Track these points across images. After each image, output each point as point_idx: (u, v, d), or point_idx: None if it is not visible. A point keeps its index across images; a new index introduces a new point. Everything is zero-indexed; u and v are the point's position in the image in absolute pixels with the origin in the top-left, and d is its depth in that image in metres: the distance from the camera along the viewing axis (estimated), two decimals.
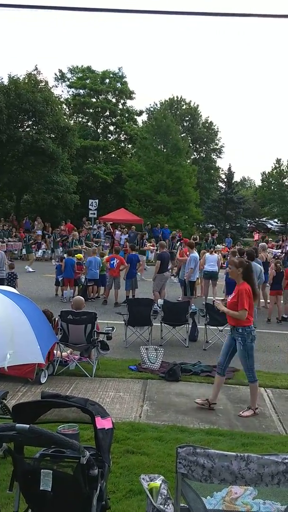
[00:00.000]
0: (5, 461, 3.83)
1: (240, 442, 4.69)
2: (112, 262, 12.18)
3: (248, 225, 39.15)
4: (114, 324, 7.91)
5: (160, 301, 9.54)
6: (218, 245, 21.10)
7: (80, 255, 14.12)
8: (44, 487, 2.39)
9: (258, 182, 52.17)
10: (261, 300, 12.28)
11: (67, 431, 3.34)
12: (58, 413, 2.84)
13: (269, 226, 41.87)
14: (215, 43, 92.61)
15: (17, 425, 2.31)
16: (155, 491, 2.50)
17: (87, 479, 2.39)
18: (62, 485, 2.40)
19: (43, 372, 6.33)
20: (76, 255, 13.46)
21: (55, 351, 6.81)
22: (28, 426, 2.29)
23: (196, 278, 11.21)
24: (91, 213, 24.71)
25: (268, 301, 11.97)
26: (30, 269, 17.30)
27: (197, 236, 21.74)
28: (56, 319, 7.14)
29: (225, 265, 13.30)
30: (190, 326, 8.94)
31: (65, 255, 13.18)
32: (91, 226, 24.56)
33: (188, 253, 11.81)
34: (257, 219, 43.38)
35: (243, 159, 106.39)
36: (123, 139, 38.80)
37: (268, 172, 43.61)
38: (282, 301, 11.09)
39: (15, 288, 9.13)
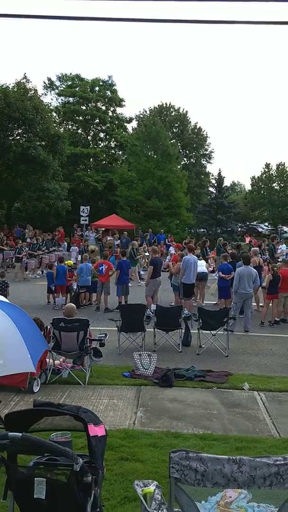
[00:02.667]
0: None
1: (234, 446, 4.70)
2: (100, 268, 12.24)
3: (239, 229, 39.36)
4: (107, 331, 7.91)
5: (153, 306, 9.56)
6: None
7: (71, 262, 14.10)
8: (38, 495, 2.39)
9: (248, 187, 52.54)
10: (253, 304, 12.37)
11: (59, 439, 3.34)
12: (51, 421, 2.83)
13: (260, 229, 42.13)
14: (202, 49, 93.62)
15: (10, 433, 2.31)
16: (149, 496, 2.50)
17: (81, 486, 2.40)
18: (56, 492, 2.40)
19: (35, 381, 6.29)
20: (66, 262, 13.43)
21: (47, 359, 6.78)
22: (20, 434, 2.29)
23: (193, 281, 11.20)
24: (82, 220, 24.72)
25: (261, 304, 12.04)
26: None
27: (189, 240, 21.81)
28: (48, 327, 7.11)
29: (216, 269, 13.35)
30: (183, 331, 8.95)
31: (56, 263, 13.16)
32: (82, 232, 24.54)
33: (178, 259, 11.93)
34: (248, 223, 43.63)
35: (233, 164, 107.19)
36: (113, 146, 38.93)
37: (258, 177, 43.98)
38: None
39: (6, 296, 9.09)
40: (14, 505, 2.62)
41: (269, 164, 43.06)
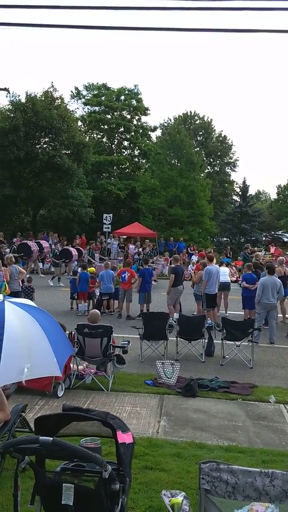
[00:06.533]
0: (23, 475, 3.82)
1: (260, 459, 4.60)
2: (123, 275, 12.29)
3: (264, 238, 38.80)
4: (128, 338, 7.89)
5: (176, 315, 9.50)
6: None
7: (93, 269, 14.20)
8: (66, 501, 2.37)
9: (273, 195, 51.99)
10: (279, 315, 12.13)
11: (89, 445, 3.33)
12: (79, 427, 2.83)
13: (285, 239, 41.44)
14: (228, 57, 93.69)
15: (41, 437, 2.31)
16: (176, 507, 2.47)
17: (108, 494, 2.38)
18: (83, 499, 2.38)
19: (60, 385, 6.34)
20: (89, 269, 13.53)
21: (71, 365, 6.82)
22: (51, 439, 2.29)
23: (215, 291, 11.10)
24: (105, 227, 24.90)
25: (287, 316, 11.80)
26: None
27: (211, 249, 21.64)
28: (73, 332, 7.16)
29: (240, 279, 13.18)
30: (206, 340, 8.85)
31: (79, 269, 13.27)
32: (104, 240, 24.69)
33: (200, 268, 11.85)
34: (272, 233, 43.00)
35: (258, 172, 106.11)
36: (137, 154, 39.23)
37: (284, 185, 43.50)
38: None
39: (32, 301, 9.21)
40: (42, 510, 2.62)
41: None
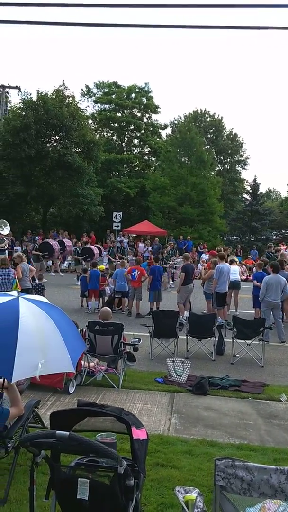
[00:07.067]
0: (36, 470, 3.86)
1: (272, 457, 4.59)
2: (133, 273, 12.31)
3: (274, 237, 38.54)
4: (138, 336, 7.91)
5: (186, 314, 9.49)
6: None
7: (103, 267, 14.25)
8: (81, 496, 2.39)
9: (284, 194, 51.53)
10: None
11: (105, 440, 3.35)
12: (91, 423, 2.85)
13: None
14: (239, 55, 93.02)
15: (58, 432, 2.33)
16: (190, 503, 2.48)
17: (123, 490, 2.39)
18: (98, 494, 2.40)
19: (71, 382, 6.38)
20: (99, 267, 13.58)
21: (82, 362, 6.86)
22: (68, 433, 2.31)
23: (226, 289, 11.06)
24: (115, 226, 24.95)
25: None
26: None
27: (221, 248, 21.56)
28: (84, 329, 7.20)
29: (251, 277, 13.11)
30: (216, 339, 8.83)
31: (89, 267, 13.32)
32: (114, 239, 24.73)
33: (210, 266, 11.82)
34: (283, 231, 42.68)
35: (269, 170, 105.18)
36: (147, 152, 39.22)
37: None
38: None
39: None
40: (56, 505, 2.65)
41: None
